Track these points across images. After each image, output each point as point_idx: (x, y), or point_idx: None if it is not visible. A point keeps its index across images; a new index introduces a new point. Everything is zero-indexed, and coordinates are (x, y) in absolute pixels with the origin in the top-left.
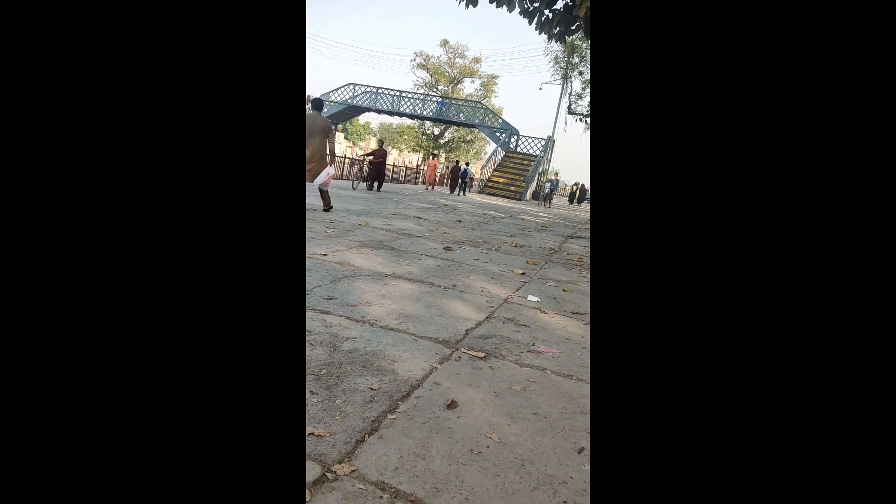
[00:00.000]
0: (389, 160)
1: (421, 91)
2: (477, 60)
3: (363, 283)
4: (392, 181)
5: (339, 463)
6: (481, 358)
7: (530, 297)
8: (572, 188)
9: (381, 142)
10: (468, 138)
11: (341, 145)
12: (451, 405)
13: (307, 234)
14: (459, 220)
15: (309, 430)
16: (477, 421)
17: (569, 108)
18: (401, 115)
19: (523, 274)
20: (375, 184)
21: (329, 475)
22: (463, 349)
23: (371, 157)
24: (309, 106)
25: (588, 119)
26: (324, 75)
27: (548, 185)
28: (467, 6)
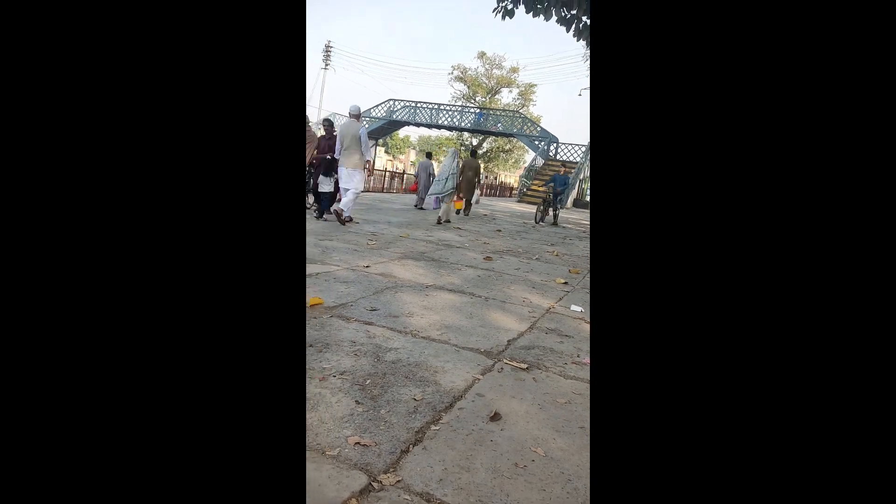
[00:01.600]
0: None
1: (459, 103)
2: (514, 70)
3: (405, 295)
4: (370, 189)
5: (385, 473)
6: (524, 369)
7: (574, 307)
8: None
9: (329, 122)
10: (507, 148)
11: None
12: (495, 417)
13: (350, 246)
14: (499, 230)
15: (355, 439)
16: (521, 434)
17: None
18: (439, 127)
19: (566, 283)
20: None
21: (375, 485)
22: (505, 360)
23: (316, 151)
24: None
25: None
26: (365, 93)
27: (553, 182)
28: (503, 18)
